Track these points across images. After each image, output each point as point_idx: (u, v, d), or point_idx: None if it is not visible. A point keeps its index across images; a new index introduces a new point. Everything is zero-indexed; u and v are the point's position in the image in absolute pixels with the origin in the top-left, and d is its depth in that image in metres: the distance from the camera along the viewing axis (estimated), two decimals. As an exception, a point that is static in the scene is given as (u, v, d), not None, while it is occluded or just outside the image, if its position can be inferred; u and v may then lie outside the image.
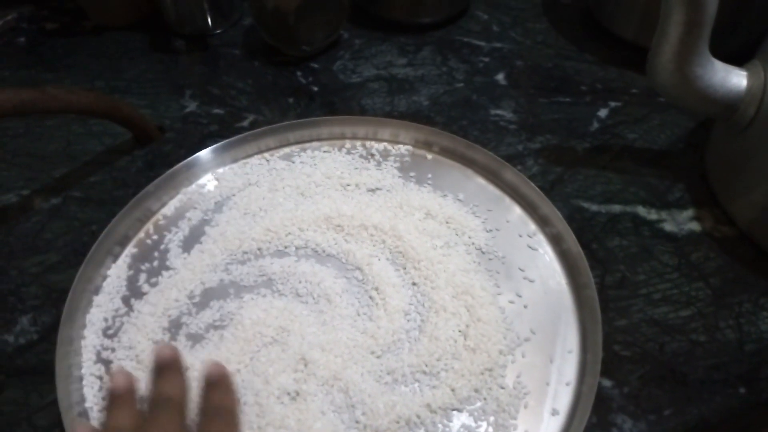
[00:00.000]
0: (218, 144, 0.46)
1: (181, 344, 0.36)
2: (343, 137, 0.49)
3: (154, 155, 0.48)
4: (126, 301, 0.38)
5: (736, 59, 0.41)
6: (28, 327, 0.38)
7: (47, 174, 0.47)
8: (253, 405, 0.33)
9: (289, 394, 0.34)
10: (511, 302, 0.38)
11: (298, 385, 0.34)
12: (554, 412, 0.34)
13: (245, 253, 0.41)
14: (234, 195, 0.45)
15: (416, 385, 0.35)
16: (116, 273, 0.40)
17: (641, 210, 0.44)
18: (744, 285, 0.40)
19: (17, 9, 0.62)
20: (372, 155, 0.47)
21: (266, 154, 0.48)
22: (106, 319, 0.38)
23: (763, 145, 0.40)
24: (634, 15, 0.55)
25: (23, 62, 0.57)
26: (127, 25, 0.61)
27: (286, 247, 0.41)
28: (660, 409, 0.34)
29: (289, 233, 0.42)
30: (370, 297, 0.38)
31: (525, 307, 0.38)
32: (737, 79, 0.40)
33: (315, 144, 0.48)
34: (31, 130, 0.50)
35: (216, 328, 0.37)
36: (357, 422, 0.33)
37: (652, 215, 0.44)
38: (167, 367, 0.29)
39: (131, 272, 0.40)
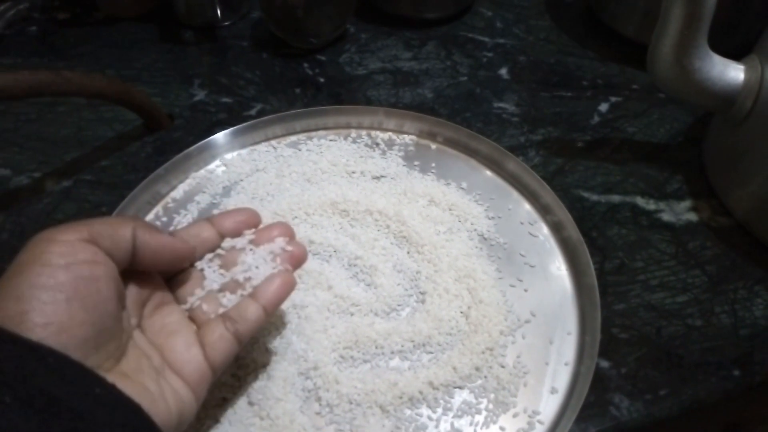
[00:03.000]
0: (227, 131, 0.47)
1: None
2: (348, 126, 0.50)
3: (163, 141, 0.49)
4: (136, 279, 0.39)
5: (735, 57, 0.42)
6: (40, 303, 0.39)
7: (59, 158, 0.48)
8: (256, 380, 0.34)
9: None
10: (512, 286, 0.39)
11: (302, 363, 0.35)
12: (553, 391, 0.34)
13: (253, 235, 0.42)
14: (242, 180, 0.46)
15: (419, 363, 0.35)
16: (126, 253, 0.41)
17: (640, 200, 0.45)
18: (739, 273, 0.41)
19: (29, -1, 0.63)
20: (377, 144, 0.48)
21: (273, 142, 0.49)
22: (116, 297, 0.38)
23: (759, 138, 0.41)
24: (634, 13, 0.57)
25: (35, 51, 0.58)
26: (137, 17, 0.62)
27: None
28: (656, 389, 0.35)
29: (296, 217, 0.42)
30: (374, 279, 0.39)
31: (525, 290, 0.39)
32: (735, 72, 0.41)
33: (321, 133, 0.49)
34: (43, 116, 0.51)
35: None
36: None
37: (651, 205, 0.45)
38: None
39: (141, 252, 0.41)
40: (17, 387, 0.20)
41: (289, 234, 0.33)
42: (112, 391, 0.23)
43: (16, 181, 0.46)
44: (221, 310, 0.30)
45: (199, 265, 0.31)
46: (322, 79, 0.55)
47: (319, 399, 0.34)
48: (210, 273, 0.31)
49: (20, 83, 0.37)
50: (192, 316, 0.30)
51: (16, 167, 0.47)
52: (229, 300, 0.30)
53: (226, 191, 0.45)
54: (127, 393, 0.23)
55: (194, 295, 0.30)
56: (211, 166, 0.47)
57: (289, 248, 0.32)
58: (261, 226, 0.33)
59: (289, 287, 0.31)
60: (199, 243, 0.31)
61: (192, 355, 0.28)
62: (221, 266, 0.31)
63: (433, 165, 0.47)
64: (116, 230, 0.26)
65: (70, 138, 0.49)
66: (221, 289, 0.31)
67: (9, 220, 0.43)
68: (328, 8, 0.55)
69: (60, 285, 0.23)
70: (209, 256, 0.32)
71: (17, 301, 0.22)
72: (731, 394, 0.35)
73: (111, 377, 0.24)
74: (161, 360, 0.28)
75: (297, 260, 0.32)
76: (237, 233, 0.32)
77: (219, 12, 0.60)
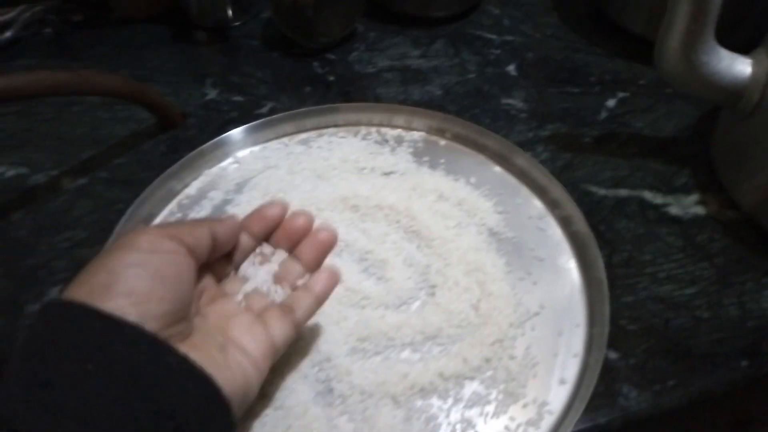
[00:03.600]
0: (239, 128, 0.48)
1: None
2: (358, 124, 0.50)
3: (177, 139, 0.50)
4: (151, 274, 0.40)
5: (742, 51, 0.42)
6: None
7: (74, 156, 0.49)
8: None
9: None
10: (521, 279, 0.40)
11: (315, 354, 0.35)
12: (562, 382, 0.35)
13: (265, 230, 0.42)
14: (254, 177, 0.46)
15: (429, 355, 0.36)
16: (142, 248, 0.42)
17: (648, 194, 0.46)
18: (747, 265, 0.41)
19: (44, 1, 0.64)
20: (386, 141, 0.49)
21: (285, 139, 0.49)
22: (132, 291, 0.39)
23: (766, 131, 0.41)
24: (641, 10, 0.57)
25: (50, 52, 0.59)
26: (150, 18, 0.63)
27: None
28: (664, 380, 0.35)
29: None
30: (385, 273, 0.40)
31: (534, 284, 0.40)
32: (742, 66, 0.41)
33: (331, 130, 0.50)
34: (59, 116, 0.52)
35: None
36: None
37: (658, 199, 0.45)
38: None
39: (156, 248, 0.42)
40: (98, 356, 0.22)
41: (310, 221, 0.34)
42: (184, 361, 0.25)
43: (33, 180, 0.47)
44: (277, 301, 0.32)
45: (242, 270, 0.33)
46: (331, 78, 0.56)
47: (331, 390, 0.34)
48: (253, 273, 0.33)
49: (40, 82, 0.38)
50: (247, 308, 0.32)
51: (33, 166, 0.48)
52: (278, 293, 0.32)
53: (239, 188, 0.46)
54: (197, 363, 0.25)
55: (240, 291, 0.32)
56: (224, 164, 0.47)
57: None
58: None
59: (336, 279, 0.33)
60: (239, 251, 0.33)
61: (256, 332, 0.30)
62: (261, 264, 0.33)
63: (442, 161, 0.47)
64: (195, 229, 0.29)
65: (85, 137, 0.50)
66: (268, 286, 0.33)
67: (27, 217, 0.44)
68: (337, 8, 0.56)
69: (146, 264, 0.26)
70: (250, 259, 0.33)
71: (108, 273, 0.25)
72: (739, 385, 0.36)
73: (181, 346, 0.25)
74: (224, 338, 0.29)
75: (326, 245, 0.34)
76: (267, 232, 0.34)
77: (230, 12, 0.61)
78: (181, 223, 0.30)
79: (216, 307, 0.31)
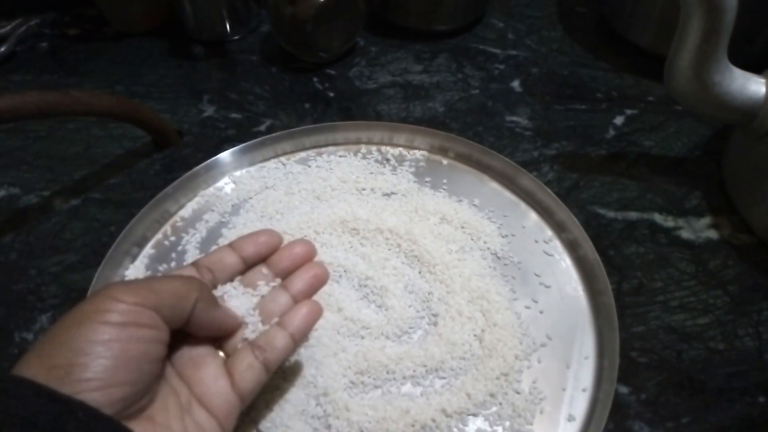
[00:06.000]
0: (235, 148, 0.47)
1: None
2: (358, 142, 0.49)
3: (172, 158, 0.49)
4: (144, 301, 0.39)
5: (755, 69, 0.41)
6: (47, 325, 0.38)
7: (67, 176, 0.48)
8: (264, 407, 0.33)
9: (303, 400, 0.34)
10: (527, 308, 0.38)
11: (312, 389, 0.34)
12: (570, 418, 0.33)
13: (261, 255, 0.41)
14: (251, 198, 0.45)
15: (431, 389, 0.34)
16: (134, 273, 0.40)
17: (658, 217, 0.44)
18: (763, 293, 0.39)
19: (40, 15, 0.63)
20: (387, 160, 0.48)
21: (283, 158, 0.48)
22: (123, 319, 0.38)
23: (782, 153, 0.40)
24: (650, 23, 0.55)
25: (46, 67, 0.58)
26: (147, 32, 0.62)
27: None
28: (678, 417, 0.34)
29: (305, 236, 0.42)
30: (385, 301, 0.38)
31: (541, 312, 0.38)
32: (756, 86, 0.40)
33: (331, 149, 0.49)
34: (52, 133, 0.51)
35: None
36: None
37: (669, 222, 0.44)
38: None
39: (149, 273, 0.40)
40: None
41: (311, 251, 0.33)
42: None
43: (25, 200, 0.46)
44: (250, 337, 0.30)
45: (221, 289, 0.31)
46: (331, 94, 0.55)
47: (329, 427, 0.33)
48: (235, 296, 0.31)
49: (28, 104, 0.37)
50: (220, 345, 0.30)
51: (25, 186, 0.47)
52: (252, 332, 0.30)
53: (235, 209, 0.44)
54: None
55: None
56: (220, 184, 0.46)
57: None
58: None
59: (316, 315, 0.31)
60: (221, 269, 0.31)
61: (219, 387, 0.28)
62: (244, 291, 0.31)
63: (445, 181, 0.46)
64: (179, 302, 0.27)
65: (79, 155, 0.49)
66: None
67: (18, 239, 0.43)
68: (337, 22, 0.55)
69: (112, 342, 0.24)
70: (234, 283, 0.32)
71: (71, 351, 0.23)
72: (756, 422, 0.34)
73: (137, 423, 0.24)
74: (189, 394, 0.28)
75: (319, 281, 0.33)
76: (259, 258, 0.33)
77: (228, 26, 0.60)
78: (168, 287, 0.27)
79: (185, 351, 0.29)
